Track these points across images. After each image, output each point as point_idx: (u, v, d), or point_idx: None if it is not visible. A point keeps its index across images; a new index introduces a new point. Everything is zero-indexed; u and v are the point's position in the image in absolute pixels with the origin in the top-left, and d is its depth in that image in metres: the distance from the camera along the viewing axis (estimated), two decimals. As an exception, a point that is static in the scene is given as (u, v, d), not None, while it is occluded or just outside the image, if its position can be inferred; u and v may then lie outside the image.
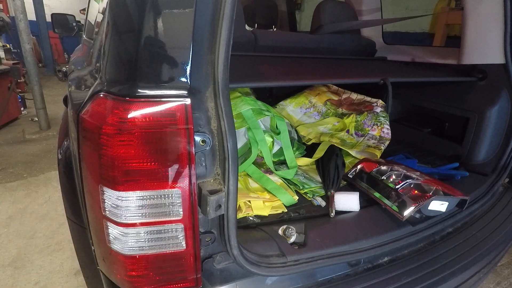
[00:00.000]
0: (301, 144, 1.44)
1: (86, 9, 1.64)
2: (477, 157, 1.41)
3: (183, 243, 0.65)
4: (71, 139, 0.91)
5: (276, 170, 1.21)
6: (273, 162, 1.27)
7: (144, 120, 0.57)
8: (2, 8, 7.11)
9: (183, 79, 0.59)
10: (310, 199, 1.09)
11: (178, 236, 0.65)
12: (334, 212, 0.99)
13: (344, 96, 1.73)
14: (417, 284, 0.89)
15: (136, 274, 0.66)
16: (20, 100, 4.65)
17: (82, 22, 2.07)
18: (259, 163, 1.27)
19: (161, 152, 0.58)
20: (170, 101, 0.58)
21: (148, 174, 0.59)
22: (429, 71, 1.59)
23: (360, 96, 1.68)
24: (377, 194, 1.02)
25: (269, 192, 1.08)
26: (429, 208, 0.98)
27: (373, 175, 1.09)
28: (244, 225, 0.94)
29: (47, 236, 2.10)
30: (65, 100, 1.26)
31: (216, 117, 0.63)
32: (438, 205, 0.99)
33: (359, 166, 1.17)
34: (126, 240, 0.62)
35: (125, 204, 0.59)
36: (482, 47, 1.38)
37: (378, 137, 1.44)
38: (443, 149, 1.56)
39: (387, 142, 1.40)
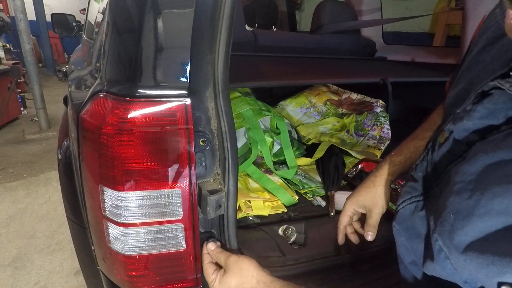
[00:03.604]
0: (301, 144, 1.44)
1: (86, 9, 1.63)
2: (477, 157, 1.40)
3: (183, 243, 0.65)
4: (71, 139, 0.91)
5: (276, 170, 1.21)
6: (273, 162, 1.27)
7: (144, 120, 0.57)
8: (2, 8, 7.11)
9: (183, 79, 0.59)
10: (310, 199, 1.09)
11: (178, 236, 0.65)
12: (334, 212, 0.99)
13: (344, 96, 1.73)
14: None
15: (136, 274, 0.66)
16: (20, 100, 4.64)
17: (82, 22, 2.07)
18: (259, 163, 1.27)
19: (161, 152, 0.58)
20: (170, 101, 0.58)
21: (148, 174, 0.59)
22: (429, 71, 1.59)
23: (360, 96, 1.68)
24: (377, 194, 1.02)
25: (269, 192, 1.08)
26: (429, 208, 0.98)
27: (373, 175, 1.09)
28: (244, 225, 0.94)
29: (47, 236, 2.10)
30: (65, 100, 1.25)
31: (216, 117, 0.63)
32: (438, 205, 0.98)
33: (359, 166, 1.17)
34: (126, 240, 0.62)
35: (125, 204, 0.59)
36: (482, 47, 1.38)
37: (378, 137, 1.44)
38: None
39: (387, 142, 1.40)
